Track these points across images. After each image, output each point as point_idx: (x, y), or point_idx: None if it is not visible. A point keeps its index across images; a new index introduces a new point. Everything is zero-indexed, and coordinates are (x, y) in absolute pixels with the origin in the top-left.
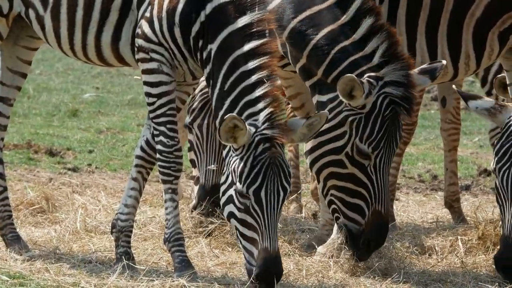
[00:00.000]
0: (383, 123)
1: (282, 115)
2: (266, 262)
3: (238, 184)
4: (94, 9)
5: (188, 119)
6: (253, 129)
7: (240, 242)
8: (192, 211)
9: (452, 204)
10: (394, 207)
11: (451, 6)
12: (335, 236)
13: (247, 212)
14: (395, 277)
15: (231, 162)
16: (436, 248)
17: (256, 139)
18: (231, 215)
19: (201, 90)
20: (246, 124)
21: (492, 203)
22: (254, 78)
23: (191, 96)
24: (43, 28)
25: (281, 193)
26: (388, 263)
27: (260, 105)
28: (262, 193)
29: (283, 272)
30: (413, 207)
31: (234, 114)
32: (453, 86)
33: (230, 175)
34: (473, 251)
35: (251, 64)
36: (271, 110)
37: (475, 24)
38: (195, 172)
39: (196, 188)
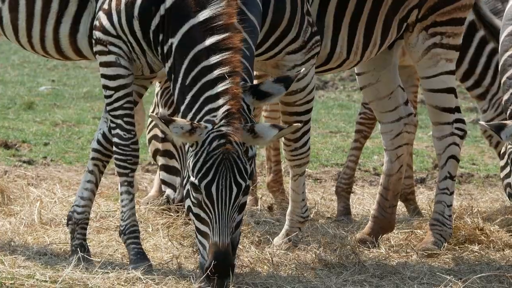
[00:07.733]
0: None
1: (239, 113)
2: (214, 256)
3: (192, 178)
4: (53, 0)
5: (166, 111)
6: (210, 126)
7: (196, 236)
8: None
9: (407, 197)
10: (350, 200)
11: None
12: (288, 228)
13: (200, 207)
14: (350, 269)
15: (187, 158)
16: (391, 240)
17: (211, 135)
18: (188, 209)
19: None
20: (203, 122)
21: None
22: (215, 73)
23: (162, 88)
24: (0, 20)
25: (234, 189)
26: (343, 255)
27: (220, 101)
28: (213, 188)
29: (235, 266)
30: (368, 200)
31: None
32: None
33: (187, 170)
34: None
35: (213, 59)
36: (228, 107)
37: (386, 12)
38: (173, 163)
39: (177, 178)
